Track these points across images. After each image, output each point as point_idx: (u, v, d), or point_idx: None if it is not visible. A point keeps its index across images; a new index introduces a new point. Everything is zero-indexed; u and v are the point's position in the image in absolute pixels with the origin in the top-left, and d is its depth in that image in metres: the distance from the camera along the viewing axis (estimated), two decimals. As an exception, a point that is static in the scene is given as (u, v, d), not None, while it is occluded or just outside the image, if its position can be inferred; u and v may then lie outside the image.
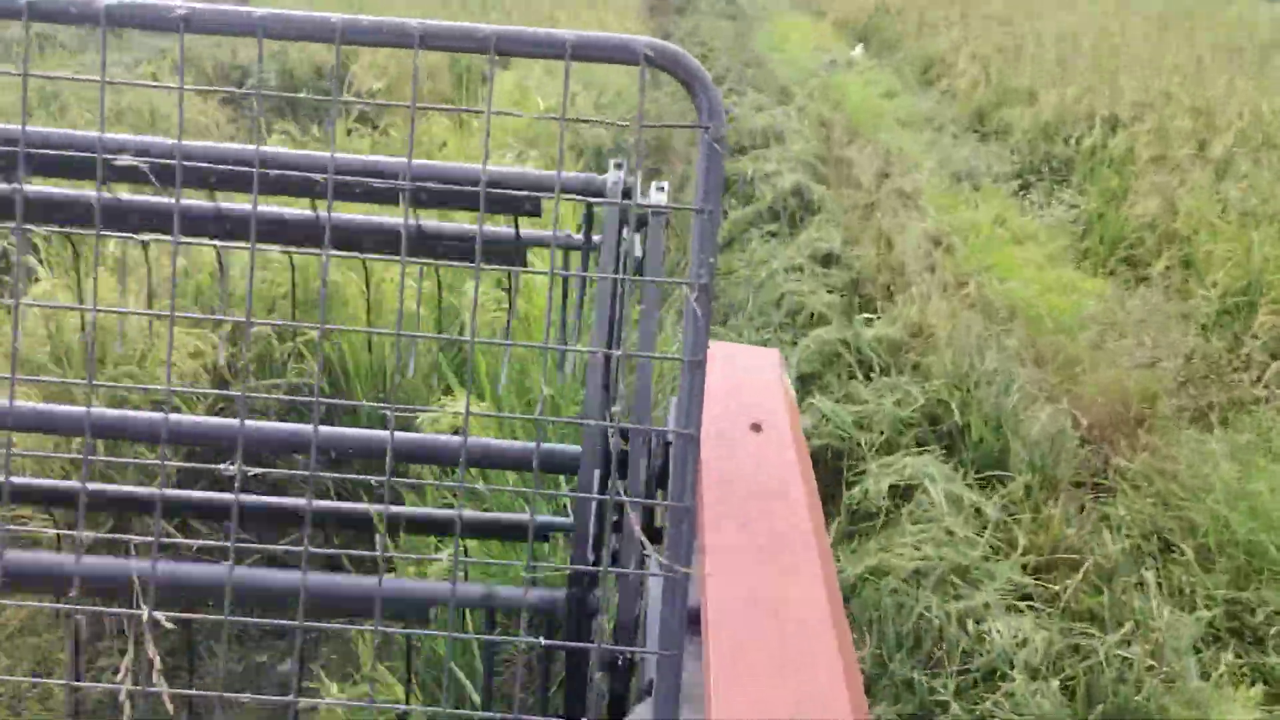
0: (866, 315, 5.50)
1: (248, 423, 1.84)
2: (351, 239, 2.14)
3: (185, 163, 1.77)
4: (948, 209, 7.98)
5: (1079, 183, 7.98)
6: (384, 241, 2.12)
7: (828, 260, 6.27)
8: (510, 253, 2.20)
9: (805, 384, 4.64)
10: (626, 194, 1.84)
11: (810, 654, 1.14)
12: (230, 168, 1.87)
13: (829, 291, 5.79)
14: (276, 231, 2.10)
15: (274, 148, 2.30)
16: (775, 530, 1.36)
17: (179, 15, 0.95)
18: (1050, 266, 6.85)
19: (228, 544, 1.08)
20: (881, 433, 4.07)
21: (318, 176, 1.86)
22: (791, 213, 7.12)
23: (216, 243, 1.90)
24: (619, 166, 1.87)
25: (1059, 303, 6.20)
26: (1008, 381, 4.64)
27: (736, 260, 6.66)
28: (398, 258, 0.94)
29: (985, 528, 3.55)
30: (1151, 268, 6.38)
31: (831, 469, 4.01)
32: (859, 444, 4.04)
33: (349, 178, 1.87)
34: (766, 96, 10.95)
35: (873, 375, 4.61)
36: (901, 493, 3.73)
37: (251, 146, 2.02)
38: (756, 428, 1.58)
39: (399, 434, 1.88)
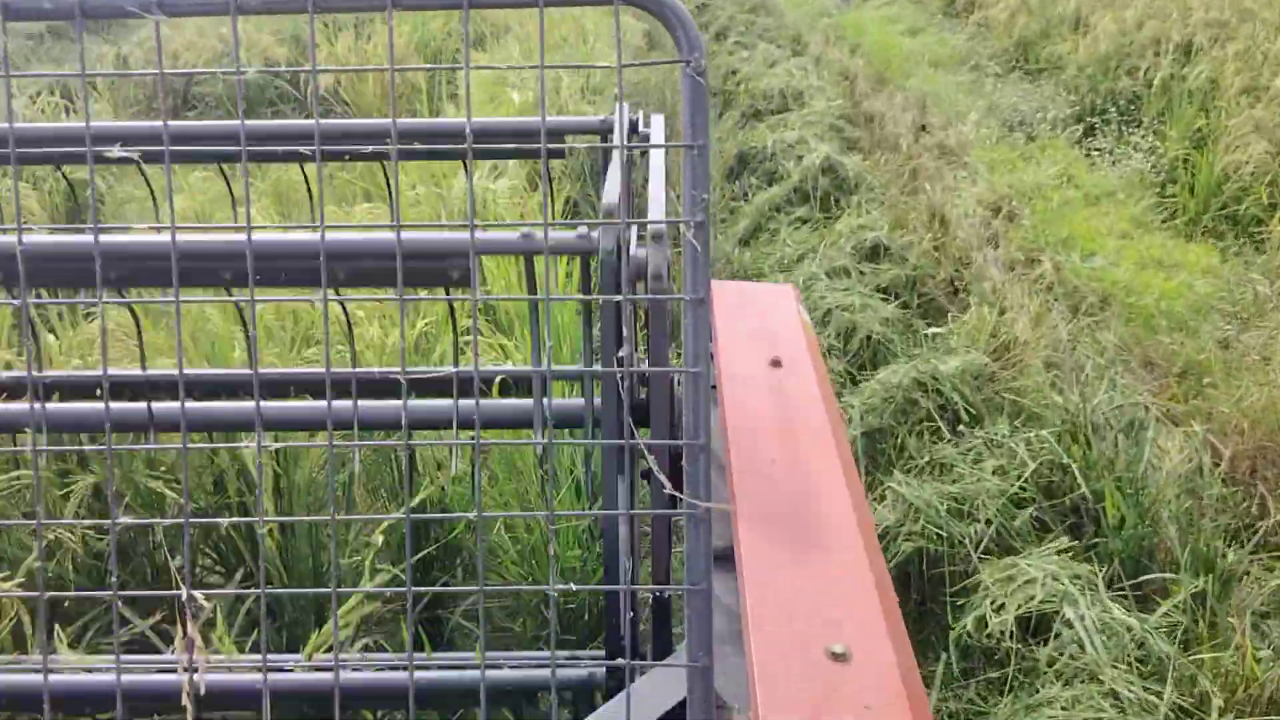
0: (934, 329, 4.48)
1: (269, 404, 1.91)
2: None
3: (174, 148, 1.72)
4: (1003, 166, 6.88)
5: (1152, 123, 6.86)
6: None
7: (875, 253, 5.23)
8: None
9: (874, 444, 3.64)
10: (634, 127, 2.00)
11: (846, 586, 1.14)
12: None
13: (882, 298, 4.77)
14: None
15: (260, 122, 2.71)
16: (802, 463, 1.37)
17: (154, 1, 0.97)
18: (1137, 234, 5.78)
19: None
20: (988, 522, 3.08)
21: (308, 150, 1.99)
22: (824, 193, 6.06)
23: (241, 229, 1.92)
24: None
25: (1160, 283, 5.14)
26: (1134, 418, 3.62)
27: (765, 258, 5.63)
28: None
29: (1157, 673, 2.57)
30: (1266, 229, 5.29)
31: (928, 580, 3.03)
32: (960, 540, 3.05)
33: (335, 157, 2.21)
34: (778, 47, 9.80)
35: (960, 428, 3.60)
36: (1032, 622, 2.75)
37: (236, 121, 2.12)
38: (776, 363, 1.60)
39: (413, 402, 1.94)
